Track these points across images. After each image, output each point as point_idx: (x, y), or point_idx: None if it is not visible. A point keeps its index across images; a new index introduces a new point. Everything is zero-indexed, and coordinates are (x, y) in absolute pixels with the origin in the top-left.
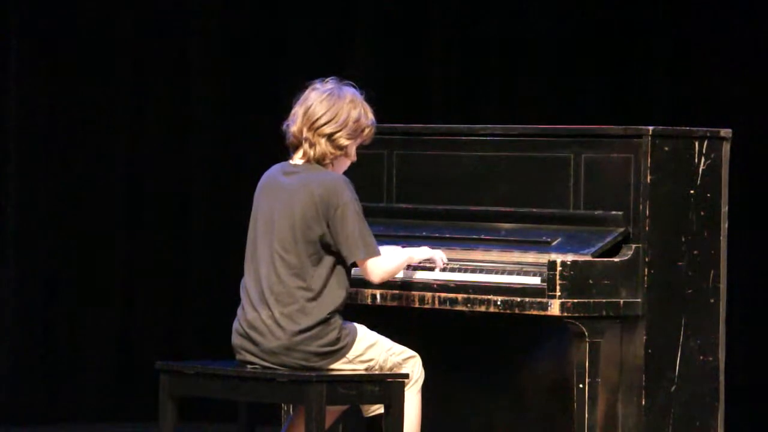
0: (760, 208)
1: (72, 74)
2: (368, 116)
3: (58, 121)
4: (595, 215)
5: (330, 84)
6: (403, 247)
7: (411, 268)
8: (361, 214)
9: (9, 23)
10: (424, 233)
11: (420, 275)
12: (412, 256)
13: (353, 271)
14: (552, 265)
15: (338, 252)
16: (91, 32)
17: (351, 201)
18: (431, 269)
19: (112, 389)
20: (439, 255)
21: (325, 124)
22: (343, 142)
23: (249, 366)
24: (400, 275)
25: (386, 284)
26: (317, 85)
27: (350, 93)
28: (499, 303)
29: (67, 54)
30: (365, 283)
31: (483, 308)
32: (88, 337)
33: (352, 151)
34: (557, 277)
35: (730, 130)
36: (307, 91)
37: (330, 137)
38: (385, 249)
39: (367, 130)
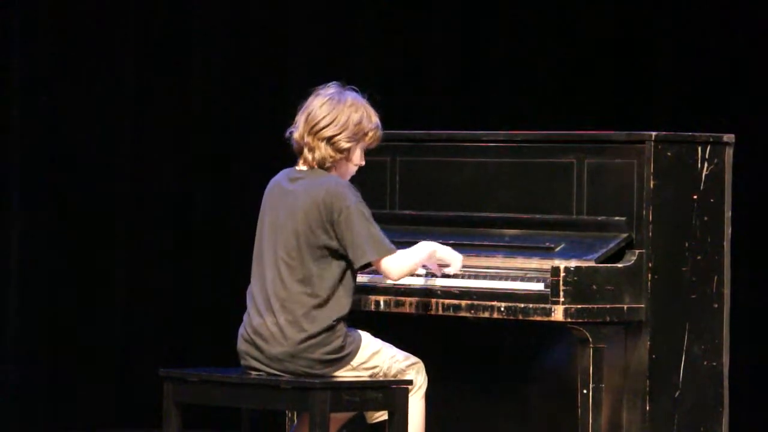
0: (763, 212)
1: (72, 76)
2: (372, 119)
3: (60, 123)
4: (598, 221)
5: (332, 89)
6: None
7: (427, 269)
8: (368, 215)
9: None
10: (427, 240)
11: (421, 281)
12: (435, 249)
13: (359, 277)
14: (555, 270)
15: (343, 257)
16: (95, 33)
17: (355, 204)
18: (438, 275)
19: (115, 396)
20: (459, 260)
21: (324, 127)
22: (344, 144)
23: (253, 372)
24: (406, 281)
25: (390, 291)
26: (320, 90)
27: (351, 96)
28: (502, 309)
29: (68, 54)
30: (369, 290)
31: (487, 314)
32: (90, 344)
33: (356, 155)
34: (561, 282)
35: (732, 135)
36: (310, 98)
37: (329, 140)
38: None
39: (370, 134)
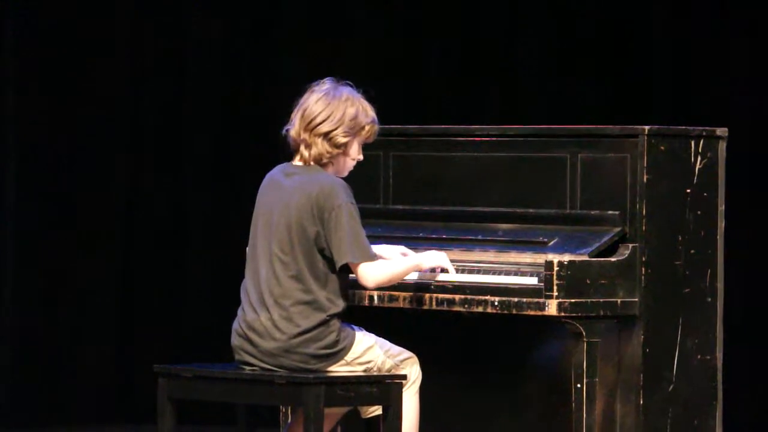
0: (756, 206)
1: (70, 77)
2: (368, 114)
3: (57, 123)
4: (591, 215)
5: (326, 84)
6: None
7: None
8: (356, 218)
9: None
10: (421, 234)
11: (415, 276)
12: (420, 262)
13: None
14: (549, 265)
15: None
16: (90, 32)
17: (346, 204)
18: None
19: (110, 392)
20: (448, 261)
21: (321, 123)
22: (341, 139)
23: (247, 368)
24: None
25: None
26: (314, 87)
27: (346, 91)
28: (496, 303)
29: (65, 53)
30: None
31: (480, 309)
32: (86, 339)
33: (353, 149)
34: (554, 277)
35: (726, 129)
36: (305, 95)
37: (326, 136)
38: (390, 251)
39: (367, 128)
